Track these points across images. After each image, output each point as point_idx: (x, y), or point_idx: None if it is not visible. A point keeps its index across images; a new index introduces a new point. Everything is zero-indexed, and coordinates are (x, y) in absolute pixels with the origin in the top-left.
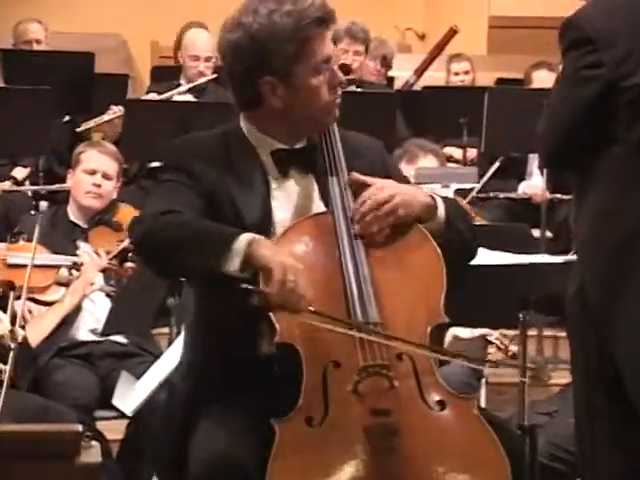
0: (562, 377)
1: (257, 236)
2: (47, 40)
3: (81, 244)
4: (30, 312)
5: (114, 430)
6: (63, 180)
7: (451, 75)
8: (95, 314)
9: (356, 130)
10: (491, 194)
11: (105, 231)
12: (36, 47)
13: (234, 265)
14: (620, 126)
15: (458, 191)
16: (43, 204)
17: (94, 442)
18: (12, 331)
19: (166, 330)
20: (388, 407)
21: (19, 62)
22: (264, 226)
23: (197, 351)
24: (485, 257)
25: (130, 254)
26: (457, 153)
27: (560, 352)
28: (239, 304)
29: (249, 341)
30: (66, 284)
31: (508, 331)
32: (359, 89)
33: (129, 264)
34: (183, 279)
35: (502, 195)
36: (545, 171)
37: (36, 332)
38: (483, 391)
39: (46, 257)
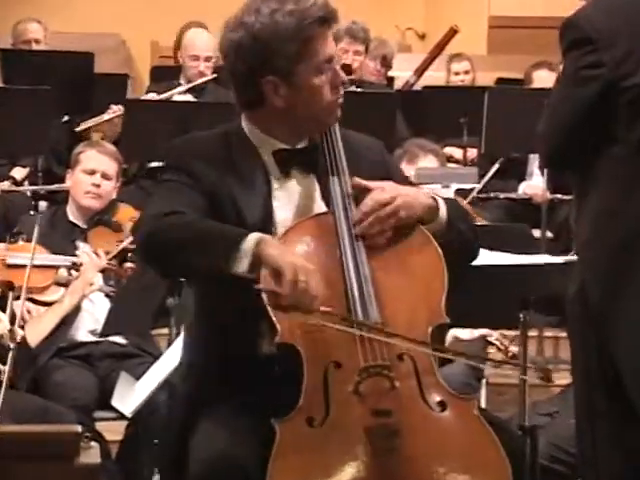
0: (563, 378)
1: (265, 236)
2: (46, 40)
3: (80, 244)
4: (29, 312)
5: (113, 431)
6: (62, 180)
7: (451, 75)
8: (94, 314)
9: (356, 130)
10: (491, 194)
11: (104, 231)
12: (35, 47)
13: (243, 266)
14: (620, 126)
15: (458, 191)
16: (42, 204)
17: (93, 443)
18: (11, 331)
19: (165, 331)
20: (389, 407)
21: (18, 62)
22: (265, 226)
23: (197, 351)
24: (485, 257)
25: (129, 254)
26: (457, 153)
27: (561, 352)
28: (240, 304)
29: (250, 341)
30: (65, 284)
31: (508, 332)
32: (359, 89)
33: (128, 264)
34: (185, 279)
35: (502, 195)
36: (545, 171)
37: (35, 332)
38: (483, 391)
39: (45, 257)
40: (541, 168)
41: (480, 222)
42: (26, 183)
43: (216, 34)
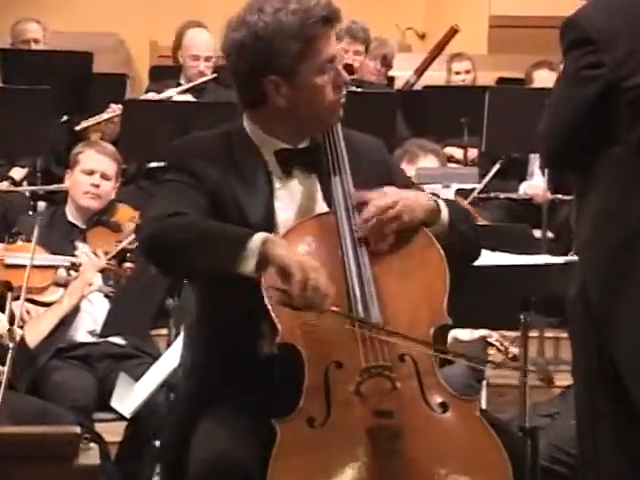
0: (563, 379)
1: (271, 235)
2: (45, 40)
3: (79, 245)
4: (28, 313)
5: (112, 432)
6: (61, 180)
7: (452, 75)
8: (93, 315)
9: (356, 130)
10: (492, 194)
11: (103, 232)
12: (34, 47)
13: (249, 266)
14: (620, 126)
15: (459, 191)
16: (41, 205)
17: (92, 444)
18: (10, 330)
19: (165, 332)
20: (390, 408)
21: (17, 62)
22: (267, 226)
23: (198, 351)
24: (486, 258)
25: (129, 254)
26: (458, 153)
27: (561, 353)
28: (241, 304)
29: (251, 341)
30: (64, 285)
31: (508, 332)
32: (359, 89)
33: (127, 264)
34: (187, 280)
35: (503, 195)
36: (546, 171)
37: (34, 333)
38: (484, 393)
39: (44, 257)
40: (542, 168)
41: (481, 222)
42: (25, 183)
43: (215, 34)
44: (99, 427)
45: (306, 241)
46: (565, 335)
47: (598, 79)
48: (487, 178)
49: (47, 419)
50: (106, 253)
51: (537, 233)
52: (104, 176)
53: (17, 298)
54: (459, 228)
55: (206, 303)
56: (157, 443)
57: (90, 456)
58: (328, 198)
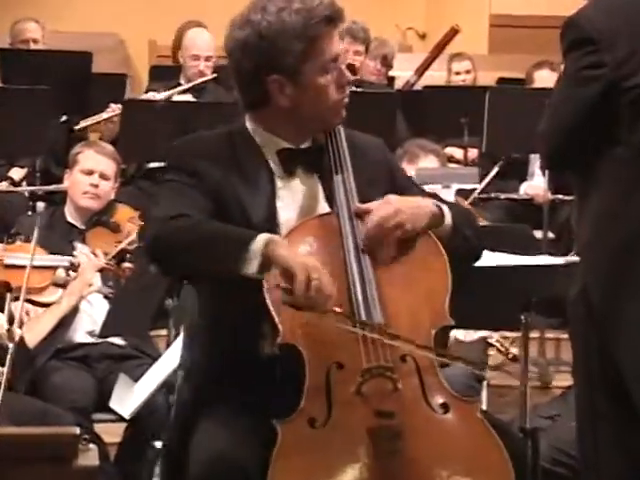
0: (564, 380)
1: (274, 236)
2: (44, 39)
3: (78, 245)
4: (27, 314)
5: (112, 433)
6: (60, 181)
7: (452, 74)
8: (93, 316)
9: (356, 130)
10: (492, 195)
11: (103, 232)
12: (33, 46)
13: (252, 267)
14: (622, 128)
15: (459, 192)
16: (40, 205)
17: (92, 445)
18: (9, 330)
19: (164, 332)
20: (392, 409)
21: (16, 62)
22: (269, 226)
23: (198, 352)
24: (487, 258)
25: (128, 255)
26: (458, 153)
27: (562, 354)
28: (242, 305)
29: (252, 342)
30: (63, 285)
31: (509, 333)
32: (359, 89)
33: (127, 264)
34: (190, 280)
35: (503, 196)
36: (547, 171)
37: (33, 333)
38: (484, 393)
39: (43, 258)
40: (542, 168)
41: (481, 223)
42: (24, 184)
43: (214, 34)
44: (98, 428)
45: (308, 241)
46: (566, 336)
47: (599, 79)
48: (487, 178)
49: (46, 420)
50: (105, 254)
51: (538, 234)
52: (103, 176)
53: (16, 299)
54: (463, 232)
55: (207, 303)
56: (157, 444)
57: (89, 457)
58: (330, 198)
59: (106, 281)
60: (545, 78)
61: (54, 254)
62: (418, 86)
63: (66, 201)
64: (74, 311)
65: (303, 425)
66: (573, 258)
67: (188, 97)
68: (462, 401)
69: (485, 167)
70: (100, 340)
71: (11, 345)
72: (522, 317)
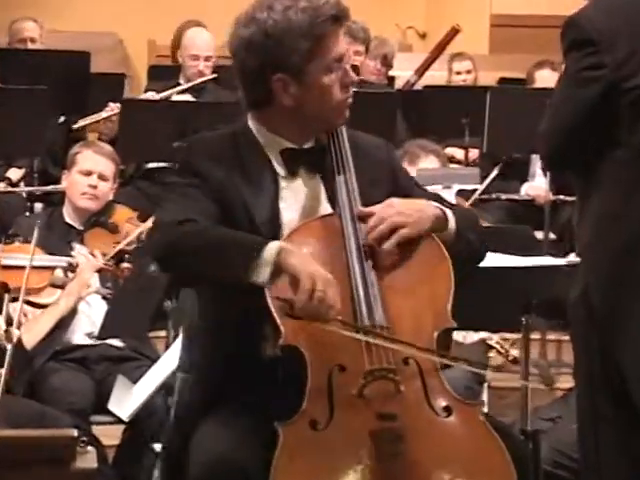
0: (565, 381)
1: (285, 244)
2: (42, 39)
3: (76, 246)
4: (25, 315)
5: (110, 435)
6: (58, 181)
7: (453, 74)
8: (91, 317)
9: (356, 130)
10: (493, 195)
11: (101, 233)
12: (31, 46)
13: (264, 275)
14: (622, 129)
15: (460, 192)
16: (38, 206)
17: (90, 447)
18: (7, 332)
19: (163, 334)
20: (394, 411)
21: (14, 61)
22: (273, 227)
23: (199, 353)
24: (487, 259)
25: (127, 255)
26: (459, 154)
27: (563, 356)
28: (244, 306)
29: (253, 343)
30: (61, 286)
31: (509, 335)
32: (360, 89)
33: (125, 264)
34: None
35: (504, 196)
36: (548, 172)
37: (31, 334)
38: (485, 395)
39: (41, 258)
40: (544, 169)
41: (482, 224)
42: (22, 184)
43: (213, 33)
44: (96, 430)
45: (310, 242)
46: (567, 338)
47: (599, 80)
48: (488, 179)
49: (44, 422)
50: (104, 254)
51: (539, 234)
52: (102, 177)
53: (14, 299)
54: (467, 236)
55: (208, 305)
56: (155, 446)
57: (87, 459)
58: (332, 199)
59: (104, 282)
60: (546, 78)
61: (52, 255)
62: (418, 86)
63: (64, 202)
64: (72, 312)
65: (305, 427)
66: (574, 259)
67: (187, 97)
68: (465, 404)
69: (486, 168)
70: (98, 342)
71: (9, 346)
72: (523, 318)
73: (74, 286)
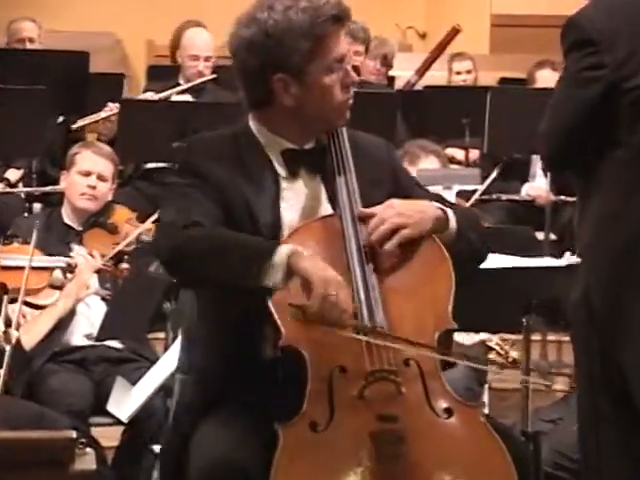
0: (566, 383)
1: (295, 247)
2: (41, 39)
3: (75, 246)
4: (24, 316)
5: (109, 437)
6: (57, 182)
7: (453, 74)
8: (90, 318)
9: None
10: (494, 196)
11: (100, 233)
12: (29, 46)
13: (276, 279)
14: (622, 129)
15: (460, 193)
16: (37, 206)
17: (89, 449)
18: (6, 333)
19: (162, 335)
20: (395, 413)
21: (13, 61)
22: (274, 227)
23: (198, 354)
24: (488, 260)
25: (126, 256)
26: (459, 154)
27: (564, 357)
28: (244, 306)
29: (253, 344)
30: (60, 287)
31: (509, 336)
32: (359, 89)
33: (124, 265)
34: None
35: (505, 197)
36: (549, 172)
37: (30, 335)
38: (486, 397)
39: (39, 259)
40: (544, 169)
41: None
42: (20, 185)
43: (212, 33)
44: (95, 431)
45: (310, 243)
46: (567, 339)
47: (599, 80)
48: (489, 180)
49: (42, 424)
50: (103, 255)
51: (540, 235)
52: (100, 177)
53: (12, 300)
54: (468, 236)
55: (208, 306)
56: (154, 448)
57: (86, 461)
58: (333, 200)
59: (103, 283)
60: (547, 78)
61: (51, 255)
62: (419, 86)
63: (63, 202)
64: (71, 314)
65: (305, 429)
66: (575, 260)
67: (187, 97)
68: (466, 406)
69: (486, 168)
70: (97, 343)
71: (8, 347)
72: (523, 319)
73: (73, 287)
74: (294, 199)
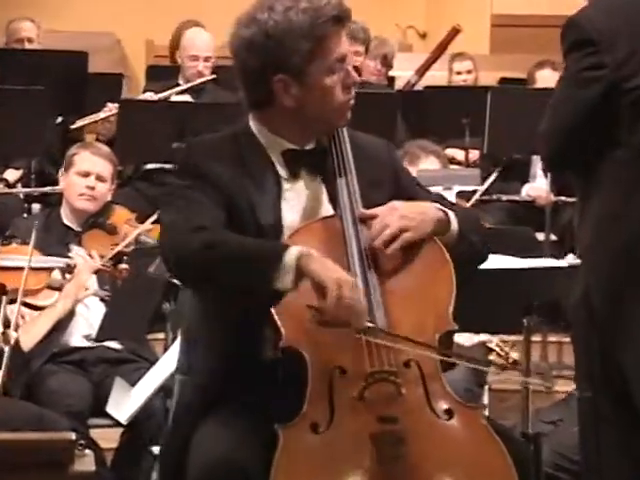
0: (567, 384)
1: (304, 249)
2: (40, 39)
3: (74, 247)
4: (22, 317)
5: (108, 438)
6: (55, 182)
7: (453, 74)
8: (89, 319)
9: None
10: (494, 196)
11: (99, 234)
12: (28, 46)
13: (286, 282)
14: (622, 129)
15: (460, 193)
16: (36, 207)
17: (88, 450)
18: (4, 333)
19: (162, 336)
20: (395, 414)
21: (12, 61)
22: (276, 228)
23: (199, 355)
24: (488, 261)
25: (125, 257)
26: (459, 154)
27: (565, 358)
28: (244, 307)
29: (254, 344)
30: (59, 288)
31: (509, 337)
32: (359, 89)
33: (123, 265)
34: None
35: (505, 197)
36: (549, 173)
37: (29, 336)
38: (486, 398)
39: (38, 259)
40: (545, 170)
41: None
42: (19, 185)
43: (212, 33)
44: (94, 433)
45: (311, 244)
46: (568, 340)
47: (600, 80)
48: (489, 180)
49: (41, 425)
50: (102, 256)
51: (540, 236)
52: (99, 178)
53: (11, 301)
54: (469, 238)
55: (208, 307)
56: (154, 449)
57: (85, 462)
58: (333, 201)
59: (102, 284)
60: (547, 78)
61: (50, 256)
62: (419, 86)
63: (62, 203)
64: (70, 314)
65: (305, 430)
66: (575, 260)
67: (186, 98)
68: (467, 407)
69: (486, 168)
70: (96, 344)
71: (6, 348)
72: (524, 320)
73: (72, 288)
74: (295, 200)
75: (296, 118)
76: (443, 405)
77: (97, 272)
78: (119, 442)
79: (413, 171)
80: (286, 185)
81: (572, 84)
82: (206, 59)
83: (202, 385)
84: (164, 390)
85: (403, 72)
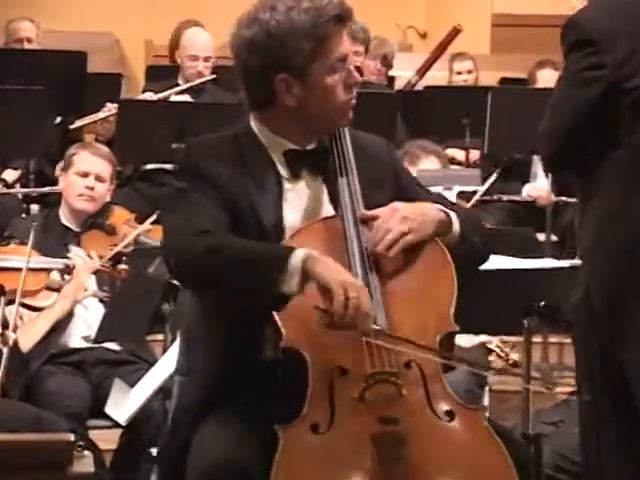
0: (567, 385)
1: (309, 251)
2: (39, 39)
3: (73, 247)
4: (21, 318)
5: (107, 440)
6: (54, 182)
7: (453, 74)
8: (88, 320)
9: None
10: (495, 197)
11: (98, 235)
12: (27, 46)
13: (292, 285)
14: (622, 129)
15: (461, 194)
16: (34, 207)
17: (87, 452)
18: (3, 334)
19: (161, 337)
20: (396, 415)
21: (11, 61)
22: (277, 228)
23: (199, 355)
24: (489, 262)
25: (124, 257)
26: (460, 155)
27: (565, 359)
28: (244, 307)
29: (254, 345)
30: (58, 289)
31: (509, 338)
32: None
33: (122, 266)
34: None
35: (506, 198)
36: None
37: (27, 337)
38: (486, 399)
39: (37, 260)
40: (545, 170)
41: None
42: (17, 185)
43: (211, 33)
44: (93, 434)
45: (312, 245)
46: (569, 340)
47: (600, 80)
48: (490, 180)
49: (40, 426)
50: (101, 257)
51: (541, 236)
52: (99, 178)
53: (10, 302)
54: (470, 239)
55: (208, 307)
56: (153, 450)
57: (84, 464)
58: (335, 201)
59: (101, 285)
60: (548, 78)
61: (48, 257)
62: (419, 86)
63: (61, 203)
64: (69, 316)
65: (305, 431)
66: (576, 261)
67: (186, 98)
68: (468, 409)
69: (487, 169)
70: (95, 345)
71: (5, 349)
72: (525, 321)
73: (70, 289)
74: (296, 200)
75: (298, 118)
76: (444, 406)
77: (96, 273)
78: (118, 443)
79: (413, 171)
80: (287, 185)
81: (572, 84)
82: (206, 59)
83: (202, 386)
84: (163, 391)
85: (403, 72)
